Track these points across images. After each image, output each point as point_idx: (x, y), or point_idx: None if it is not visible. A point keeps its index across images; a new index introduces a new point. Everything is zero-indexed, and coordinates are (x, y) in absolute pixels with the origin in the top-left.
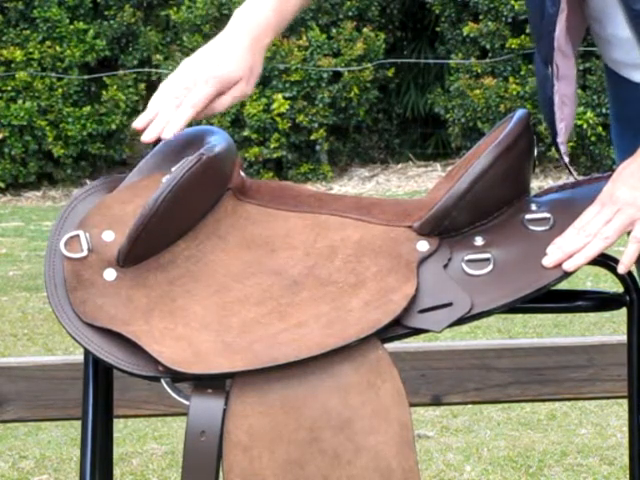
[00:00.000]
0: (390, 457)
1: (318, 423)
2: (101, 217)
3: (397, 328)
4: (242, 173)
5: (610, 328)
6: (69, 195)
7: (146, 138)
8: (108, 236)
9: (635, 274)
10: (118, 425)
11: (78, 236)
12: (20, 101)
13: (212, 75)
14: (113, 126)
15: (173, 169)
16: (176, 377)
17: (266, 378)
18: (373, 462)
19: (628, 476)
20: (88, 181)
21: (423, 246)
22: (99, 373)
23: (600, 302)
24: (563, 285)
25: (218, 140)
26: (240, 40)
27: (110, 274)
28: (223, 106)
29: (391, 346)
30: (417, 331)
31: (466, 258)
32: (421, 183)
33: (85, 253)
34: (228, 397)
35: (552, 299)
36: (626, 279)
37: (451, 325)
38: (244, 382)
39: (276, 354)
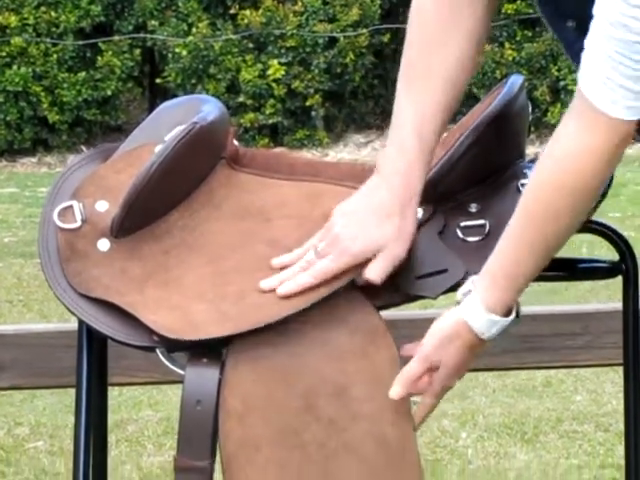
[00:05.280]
0: (386, 424)
1: (313, 391)
2: (94, 187)
3: (393, 295)
4: (236, 142)
5: (605, 295)
6: (64, 161)
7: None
8: (101, 206)
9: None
10: (113, 392)
11: (71, 206)
12: (15, 67)
13: (345, 252)
14: (108, 92)
15: (166, 138)
16: (171, 347)
17: (261, 348)
18: (369, 429)
19: (623, 443)
20: (84, 147)
21: (418, 213)
22: (93, 342)
23: (596, 270)
24: (559, 253)
25: (211, 109)
26: (384, 207)
27: (104, 245)
28: (378, 275)
29: (386, 314)
30: (413, 298)
31: (461, 225)
32: None
33: (79, 224)
34: (223, 366)
35: (548, 267)
36: (621, 247)
37: (447, 291)
38: (239, 351)
39: (261, 316)
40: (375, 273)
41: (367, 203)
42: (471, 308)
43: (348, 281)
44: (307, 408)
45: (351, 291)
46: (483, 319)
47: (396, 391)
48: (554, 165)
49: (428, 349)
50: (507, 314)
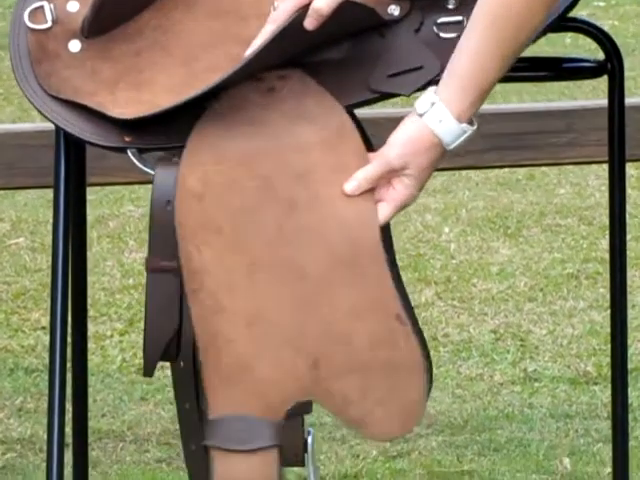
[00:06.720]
0: (348, 208)
1: (273, 173)
2: None
3: (366, 93)
4: None
5: (589, 86)
6: None
7: None
8: (72, 6)
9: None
10: (94, 187)
11: (42, 7)
12: None
13: None
14: None
15: None
16: (142, 148)
17: (223, 135)
18: (330, 211)
19: (607, 236)
20: None
21: (394, 10)
22: (71, 143)
23: (581, 70)
24: (544, 52)
25: None
26: None
27: (75, 45)
28: (327, 5)
29: (365, 111)
30: (386, 95)
31: (438, 21)
32: None
33: (49, 24)
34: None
35: (533, 67)
36: (607, 46)
37: (420, 89)
38: (202, 137)
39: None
40: (323, 1)
41: None
42: (440, 118)
43: (297, 15)
44: (266, 188)
45: (320, 93)
46: (453, 129)
47: (351, 186)
48: None
49: (390, 155)
50: (472, 122)
